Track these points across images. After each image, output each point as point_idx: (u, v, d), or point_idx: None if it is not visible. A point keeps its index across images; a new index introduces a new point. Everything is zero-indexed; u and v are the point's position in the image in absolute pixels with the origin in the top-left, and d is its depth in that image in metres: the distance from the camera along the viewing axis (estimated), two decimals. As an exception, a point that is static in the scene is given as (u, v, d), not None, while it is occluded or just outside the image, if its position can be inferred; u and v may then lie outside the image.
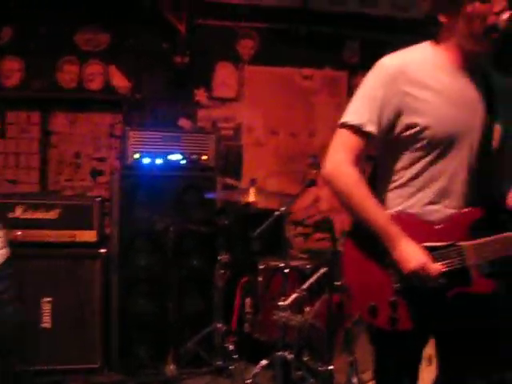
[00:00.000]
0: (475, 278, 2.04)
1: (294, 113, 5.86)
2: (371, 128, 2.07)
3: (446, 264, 2.04)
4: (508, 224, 2.09)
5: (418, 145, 2.07)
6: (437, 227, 2.08)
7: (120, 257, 4.58)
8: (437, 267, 2.01)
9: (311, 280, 3.69)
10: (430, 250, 2.05)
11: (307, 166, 4.61)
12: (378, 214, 2.07)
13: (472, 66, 2.10)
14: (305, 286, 3.66)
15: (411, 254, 2.02)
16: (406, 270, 2.02)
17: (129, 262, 4.59)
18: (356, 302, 2.17)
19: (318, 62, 5.92)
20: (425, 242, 2.06)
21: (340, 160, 2.10)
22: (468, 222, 2.06)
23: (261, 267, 4.22)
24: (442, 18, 2.06)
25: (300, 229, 5.81)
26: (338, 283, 3.46)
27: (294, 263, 4.14)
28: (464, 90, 2.09)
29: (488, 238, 2.03)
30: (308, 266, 4.16)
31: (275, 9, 5.80)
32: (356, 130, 2.08)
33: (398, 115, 2.06)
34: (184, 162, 4.68)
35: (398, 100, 2.05)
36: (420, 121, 2.04)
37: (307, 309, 4.01)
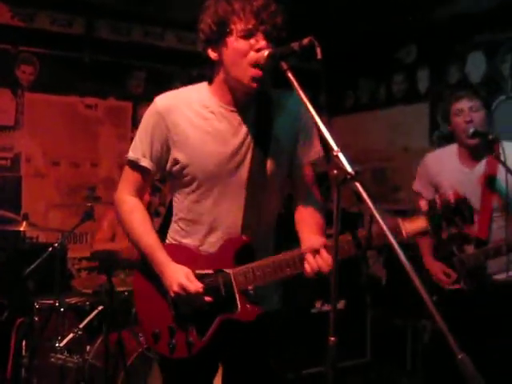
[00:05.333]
0: (240, 304, 2.09)
1: (77, 143, 5.66)
2: (144, 163, 2.20)
3: (212, 290, 2.08)
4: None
5: (185, 180, 2.17)
6: (207, 255, 2.17)
7: None
8: (195, 286, 2.05)
9: (89, 318, 3.53)
10: (200, 277, 2.10)
11: (83, 198, 4.45)
12: (149, 241, 2.18)
13: (243, 102, 2.16)
14: (81, 325, 3.49)
15: (173, 277, 2.08)
16: (171, 293, 2.09)
17: None
18: (143, 329, 2.29)
19: (102, 91, 5.80)
20: (195, 269, 2.12)
21: (121, 190, 2.28)
22: (233, 248, 2.13)
23: (37, 307, 3.94)
24: (212, 54, 2.11)
25: (85, 263, 5.60)
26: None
27: (72, 301, 3.93)
28: (229, 128, 2.15)
29: (253, 264, 2.08)
30: (87, 303, 3.96)
31: (57, 34, 5.60)
32: (133, 165, 2.23)
33: (166, 151, 2.17)
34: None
35: (165, 137, 2.16)
36: (181, 157, 2.14)
37: (88, 348, 3.83)
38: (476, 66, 5.25)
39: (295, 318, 4.41)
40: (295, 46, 1.89)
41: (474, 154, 3.22)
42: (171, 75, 6.06)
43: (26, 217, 3.94)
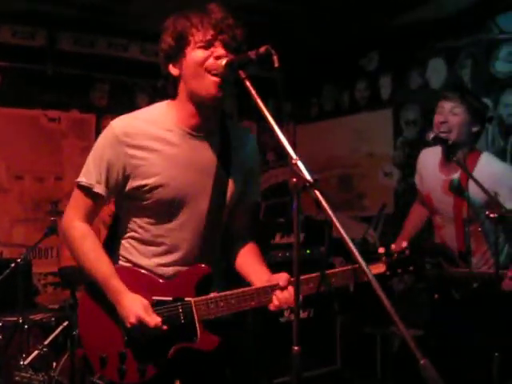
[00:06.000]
0: (200, 334, 2.08)
1: (40, 156, 5.58)
2: (99, 190, 2.10)
3: (171, 318, 2.06)
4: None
5: (146, 203, 2.11)
6: (166, 282, 2.14)
7: None
8: (154, 319, 2.02)
9: (53, 335, 3.46)
10: (158, 303, 2.08)
11: (46, 213, 4.38)
12: (101, 268, 2.10)
13: (206, 124, 2.13)
14: (46, 342, 3.42)
15: (130, 308, 2.03)
16: (127, 324, 2.04)
17: None
18: (88, 353, 2.17)
19: (66, 104, 5.73)
20: (152, 295, 2.09)
21: (71, 216, 2.17)
22: (196, 278, 2.12)
23: (0, 324, 3.86)
24: (173, 70, 2.09)
25: (51, 278, 5.52)
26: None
27: (36, 317, 3.86)
28: (193, 151, 2.12)
29: (215, 295, 2.09)
30: (53, 319, 3.89)
31: (18, 47, 5.52)
32: (86, 190, 2.13)
33: (126, 177, 2.10)
34: None
35: (124, 162, 2.08)
36: (145, 182, 2.08)
37: (54, 365, 3.76)
38: (437, 71, 5.33)
39: (264, 328, 4.40)
40: (252, 54, 1.89)
41: (446, 158, 3.18)
42: (135, 87, 6.02)
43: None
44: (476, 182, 2.92)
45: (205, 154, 2.14)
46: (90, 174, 2.11)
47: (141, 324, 2.00)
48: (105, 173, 2.09)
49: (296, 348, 1.72)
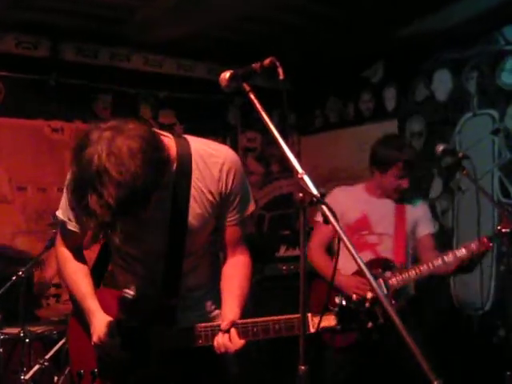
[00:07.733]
0: (154, 363, 2.10)
1: (43, 167, 5.55)
2: (71, 227, 2.20)
3: (132, 344, 2.10)
4: None
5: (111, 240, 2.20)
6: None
7: None
8: (111, 342, 2.06)
9: (55, 348, 3.42)
10: (127, 329, 2.13)
11: (47, 225, 4.34)
12: (79, 289, 2.21)
13: None
14: (48, 356, 3.38)
15: (95, 328, 2.10)
16: (92, 342, 2.11)
17: None
18: (70, 366, 2.32)
19: (69, 114, 5.70)
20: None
21: (58, 241, 2.32)
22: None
23: (1, 337, 3.81)
24: None
25: (53, 290, 5.47)
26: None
27: (38, 330, 3.81)
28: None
29: (173, 327, 2.12)
30: (55, 332, 3.85)
31: (22, 57, 5.51)
32: (63, 224, 2.24)
33: None
34: None
35: None
36: None
37: (55, 379, 3.71)
38: (442, 83, 5.29)
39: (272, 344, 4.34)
40: (256, 66, 1.87)
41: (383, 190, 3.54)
42: (138, 98, 6.00)
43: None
44: (484, 192, 3.05)
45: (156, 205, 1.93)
46: (63, 210, 2.20)
47: (101, 344, 2.06)
48: (72, 214, 2.16)
49: (302, 367, 1.67)
